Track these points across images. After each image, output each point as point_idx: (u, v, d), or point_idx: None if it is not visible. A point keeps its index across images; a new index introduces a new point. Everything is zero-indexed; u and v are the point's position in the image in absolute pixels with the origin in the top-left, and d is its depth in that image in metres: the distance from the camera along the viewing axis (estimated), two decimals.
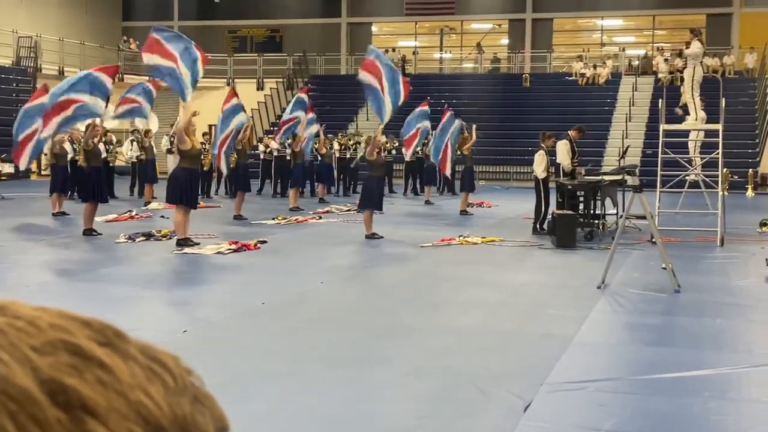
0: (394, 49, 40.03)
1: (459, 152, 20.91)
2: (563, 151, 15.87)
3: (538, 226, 15.81)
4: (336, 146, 24.93)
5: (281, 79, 38.95)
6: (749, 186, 28.35)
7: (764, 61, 34.16)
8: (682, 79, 17.50)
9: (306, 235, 15.60)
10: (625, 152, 18.65)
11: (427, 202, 22.80)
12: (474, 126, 21.53)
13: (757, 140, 31.37)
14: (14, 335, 0.53)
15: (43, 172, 27.17)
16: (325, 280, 10.68)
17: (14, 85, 32.55)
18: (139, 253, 12.81)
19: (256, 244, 13.41)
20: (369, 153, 14.98)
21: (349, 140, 26.52)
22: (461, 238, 14.69)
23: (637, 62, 37.43)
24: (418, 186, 26.01)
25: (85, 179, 15.06)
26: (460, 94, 36.08)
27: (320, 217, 18.40)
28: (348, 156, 25.56)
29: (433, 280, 10.93)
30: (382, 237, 14.69)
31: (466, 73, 40.48)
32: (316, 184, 23.64)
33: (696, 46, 15.83)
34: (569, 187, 15.43)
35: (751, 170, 28.95)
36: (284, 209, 19.43)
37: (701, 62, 16.95)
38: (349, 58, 41.39)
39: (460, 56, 41.85)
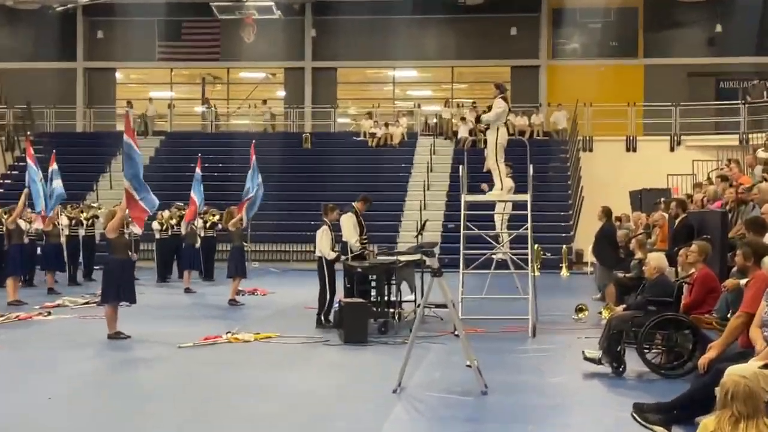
0: (150, 100, 39.88)
1: (223, 229, 21.16)
2: (348, 226, 16.16)
3: (322, 317, 15.92)
4: (65, 221, 24.07)
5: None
6: (563, 264, 29.92)
7: (575, 121, 36.58)
8: (486, 142, 18.26)
9: (31, 336, 15.00)
10: (422, 227, 19.19)
11: (187, 290, 22.47)
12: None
13: (571, 211, 33.26)
14: None
15: None
16: (54, 394, 10.26)
17: None
18: None
19: None
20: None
21: (82, 212, 25.52)
22: (229, 334, 14.56)
23: (435, 120, 38.95)
24: (175, 269, 25.67)
25: None
26: (225, 156, 36.16)
27: (49, 313, 17.67)
28: (84, 233, 24.75)
29: (195, 389, 10.74)
30: (129, 336, 14.33)
31: (233, 131, 40.61)
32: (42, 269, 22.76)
33: (498, 106, 16.60)
34: (358, 269, 15.70)
35: (564, 246, 30.54)
36: (0, 303, 18.61)
37: (506, 122, 17.79)
38: (87, 111, 40.67)
39: (227, 111, 41.99)
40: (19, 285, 19.94)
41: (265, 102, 40.69)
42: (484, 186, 18.67)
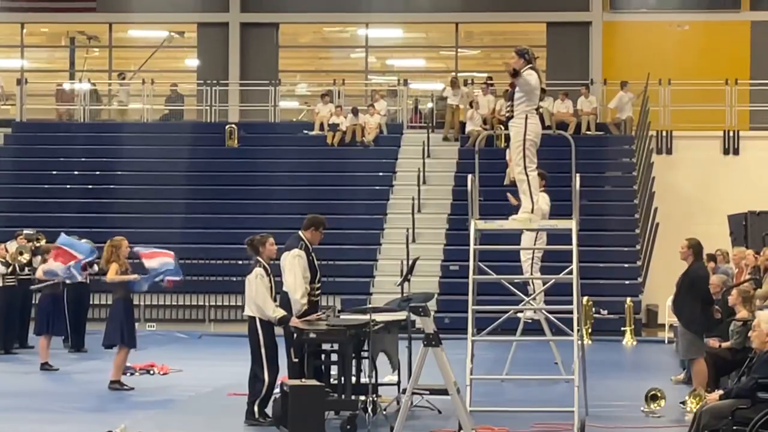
0: None
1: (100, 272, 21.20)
2: (295, 269, 16.00)
3: (256, 408, 15.87)
4: None
5: None
6: (627, 328, 29.78)
7: (645, 107, 36.41)
8: (507, 139, 18.19)
9: None
10: (411, 269, 19.02)
11: (45, 366, 22.34)
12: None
13: (639, 245, 33.09)
14: None
15: None
16: None
17: None
18: None
19: None
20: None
21: None
22: None
23: (430, 105, 38.99)
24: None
25: None
26: (103, 158, 36.17)
27: None
28: None
29: None
30: None
31: (116, 122, 40.67)
32: None
33: (527, 82, 16.54)
34: (311, 335, 15.64)
35: (629, 300, 30.29)
36: None
37: (538, 108, 17.71)
38: None
39: (108, 89, 41.99)
40: None
41: (174, 85, 40.72)
42: (512, 198, 18.49)
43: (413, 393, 12.00)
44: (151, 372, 21.89)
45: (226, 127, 38.37)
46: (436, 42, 42.50)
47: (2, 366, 23.32)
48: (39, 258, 24.73)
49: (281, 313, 15.62)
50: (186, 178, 34.64)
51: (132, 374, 20.81)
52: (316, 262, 16.44)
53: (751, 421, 11.20)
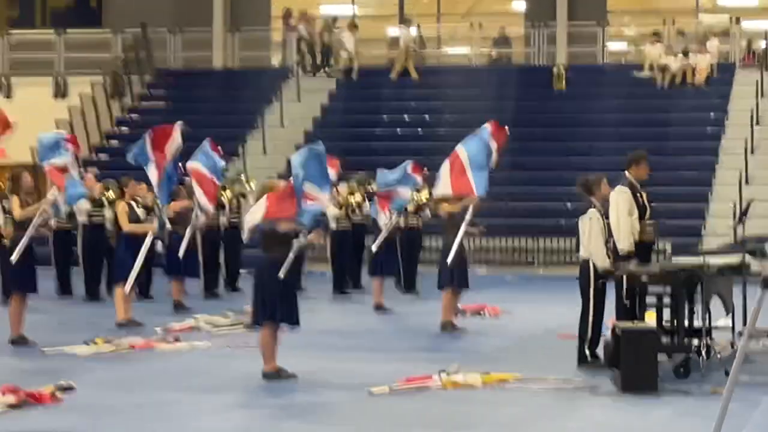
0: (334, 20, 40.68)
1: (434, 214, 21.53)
2: (620, 208, 15.87)
3: (587, 350, 15.85)
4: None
5: (102, 77, 39.43)
6: None
7: None
8: None
9: (146, 375, 15.46)
10: (745, 211, 18.75)
11: (378, 307, 22.75)
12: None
13: None
14: None
15: None
16: None
17: None
18: None
19: (53, 394, 13.26)
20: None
21: (224, 190, 25.70)
22: (444, 375, 14.68)
23: (763, 45, 38.17)
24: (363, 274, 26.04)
25: None
26: (433, 102, 36.74)
27: (177, 340, 18.27)
28: (226, 222, 25.22)
29: None
30: (295, 376, 14.68)
31: (445, 66, 40.95)
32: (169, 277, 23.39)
33: None
34: (643, 278, 15.52)
35: None
36: (106, 322, 19.33)
37: None
38: (230, 37, 41.66)
39: (437, 34, 42.31)
40: (132, 297, 20.72)
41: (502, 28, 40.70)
42: None
43: (751, 337, 11.73)
44: (482, 314, 22.08)
45: (554, 69, 38.40)
46: None
47: (334, 306, 23.88)
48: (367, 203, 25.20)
49: (608, 263, 15.52)
50: (513, 121, 34.77)
51: (464, 315, 21.00)
52: (644, 199, 16.29)
53: None
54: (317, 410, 13.14)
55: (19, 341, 17.78)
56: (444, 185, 19.46)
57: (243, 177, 27.87)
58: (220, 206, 25.04)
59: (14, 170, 19.90)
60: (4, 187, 20.73)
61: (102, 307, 22.47)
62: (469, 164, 19.13)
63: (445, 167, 19.58)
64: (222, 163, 23.95)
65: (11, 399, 12.89)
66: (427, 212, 25.09)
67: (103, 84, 39.06)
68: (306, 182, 14.97)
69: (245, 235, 17.63)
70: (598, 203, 15.89)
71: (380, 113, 38.53)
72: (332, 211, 25.14)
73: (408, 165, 23.36)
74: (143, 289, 23.23)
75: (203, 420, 12.50)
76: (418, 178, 23.78)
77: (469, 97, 37.98)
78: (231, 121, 37.62)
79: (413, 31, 40.86)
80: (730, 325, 16.15)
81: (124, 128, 38.59)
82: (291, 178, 15.59)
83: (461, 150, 19.46)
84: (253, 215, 15.06)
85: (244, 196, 25.70)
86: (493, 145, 19.55)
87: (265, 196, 15.23)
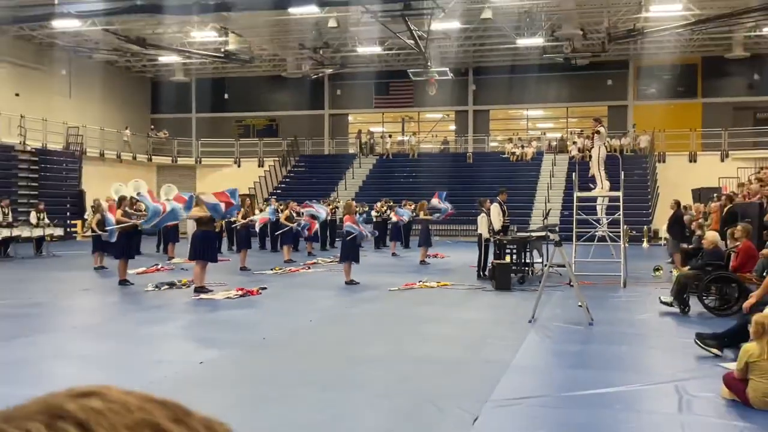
0: (369, 132, 40.48)
1: (416, 215, 21.38)
2: (495, 212, 15.92)
3: (481, 272, 15.83)
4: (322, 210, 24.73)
5: (277, 159, 39.25)
6: (644, 239, 28.69)
7: (653, 143, 34.92)
8: (590, 157, 17.69)
9: (298, 282, 15.43)
10: (547, 214, 18.86)
11: (394, 255, 22.78)
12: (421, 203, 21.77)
13: (650, 203, 31.71)
14: (112, 417, 0.55)
15: (85, 234, 26.88)
16: (313, 318, 10.61)
17: (64, 165, 32.42)
18: (164, 298, 12.66)
19: (258, 291, 13.33)
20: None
21: (331, 203, 26.60)
22: (421, 283, 14.68)
23: (555, 143, 37.77)
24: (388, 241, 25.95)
25: (117, 240, 14.89)
26: (419, 169, 36.49)
27: (309, 268, 18.32)
28: (329, 217, 25.28)
29: (398, 317, 10.88)
30: (359, 283, 14.63)
31: (424, 153, 40.80)
32: (305, 242, 23.35)
33: (600, 133, 16.10)
34: (505, 242, 15.52)
35: (645, 227, 29.28)
36: (280, 261, 19.38)
37: (605, 143, 17.18)
38: (331, 141, 41.66)
39: (418, 139, 42.22)
40: (291, 251, 20.70)
41: (444, 140, 40.11)
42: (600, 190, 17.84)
43: (549, 267, 11.69)
44: (437, 257, 21.52)
45: (467, 154, 37.96)
46: (557, 115, 40.83)
47: (376, 254, 23.67)
48: None
49: (488, 235, 15.39)
50: (450, 176, 34.29)
51: (429, 258, 20.69)
52: (505, 209, 16.11)
53: (703, 280, 10.65)
54: (368, 298, 13.06)
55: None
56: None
57: (337, 199, 28.21)
58: (331, 211, 25.33)
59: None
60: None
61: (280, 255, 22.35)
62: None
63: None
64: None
65: (240, 292, 13.00)
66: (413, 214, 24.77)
67: (278, 161, 39.12)
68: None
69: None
70: (485, 210, 15.90)
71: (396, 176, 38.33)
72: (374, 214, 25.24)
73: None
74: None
75: (319, 301, 12.46)
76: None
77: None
78: (332, 176, 37.44)
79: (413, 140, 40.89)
80: (541, 262, 16.10)
81: (283, 184, 38.29)
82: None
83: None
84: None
85: (337, 207, 25.82)
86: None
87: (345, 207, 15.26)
